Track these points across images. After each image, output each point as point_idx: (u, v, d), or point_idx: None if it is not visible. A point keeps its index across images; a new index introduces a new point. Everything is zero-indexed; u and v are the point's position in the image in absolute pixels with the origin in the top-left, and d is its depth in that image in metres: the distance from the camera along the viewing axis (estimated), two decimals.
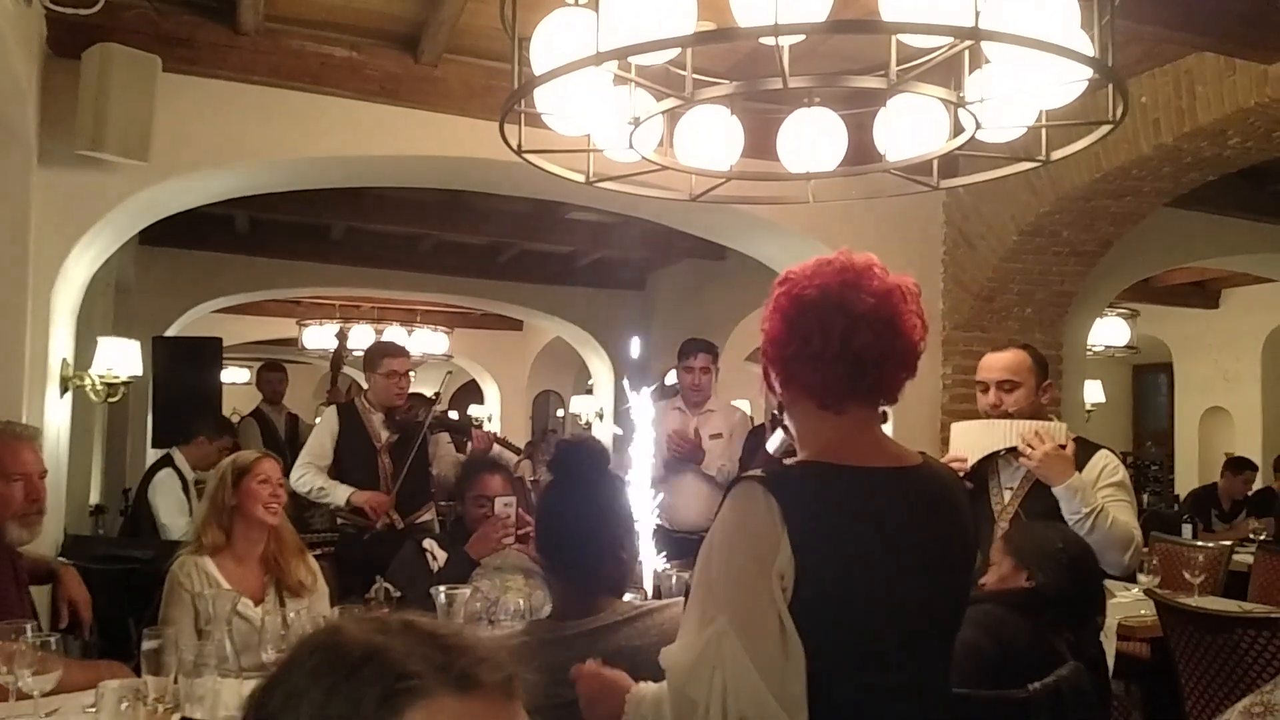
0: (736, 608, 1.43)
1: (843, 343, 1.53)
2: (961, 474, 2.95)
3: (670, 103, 2.32)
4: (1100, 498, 2.92)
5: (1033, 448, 2.92)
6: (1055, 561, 2.46)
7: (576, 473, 1.99)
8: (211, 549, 2.96)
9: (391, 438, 4.68)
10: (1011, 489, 3.05)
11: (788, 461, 1.67)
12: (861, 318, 1.53)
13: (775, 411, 1.74)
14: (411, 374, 4.91)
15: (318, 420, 5.29)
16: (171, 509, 5.22)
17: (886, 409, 1.66)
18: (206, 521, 3.01)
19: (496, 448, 4.81)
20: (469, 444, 4.88)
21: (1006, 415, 3.05)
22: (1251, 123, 4.01)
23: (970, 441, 3.09)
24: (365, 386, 4.88)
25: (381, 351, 4.85)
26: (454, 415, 6.08)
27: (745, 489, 1.49)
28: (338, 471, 4.65)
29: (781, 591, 1.43)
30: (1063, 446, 2.95)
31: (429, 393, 5.16)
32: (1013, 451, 3.00)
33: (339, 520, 4.78)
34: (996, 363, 3.13)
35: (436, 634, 0.84)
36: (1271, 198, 6.08)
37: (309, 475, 4.60)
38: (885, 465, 1.58)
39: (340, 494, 4.54)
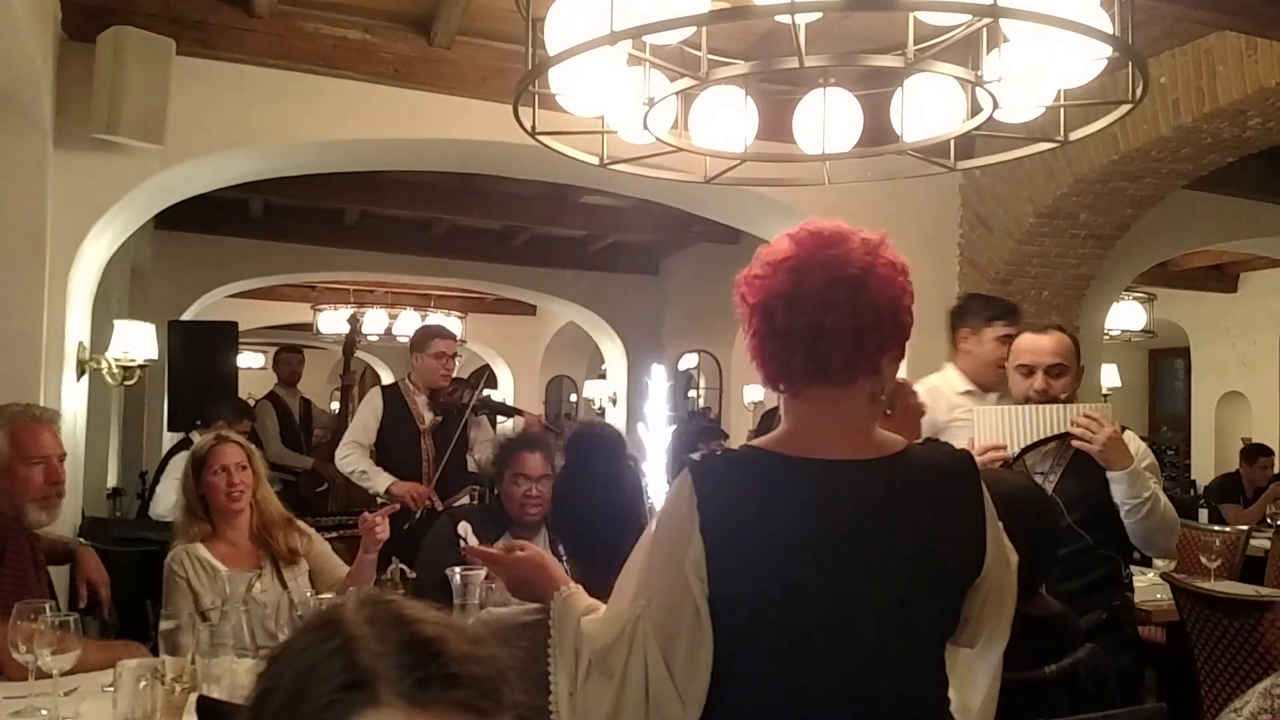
0: (655, 594, 1.42)
1: (787, 319, 1.43)
2: (1001, 463, 2.78)
3: (685, 83, 2.31)
4: None
5: (1091, 431, 2.73)
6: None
7: (595, 459, 1.99)
8: (199, 537, 2.98)
9: (435, 420, 4.72)
10: (1042, 474, 2.88)
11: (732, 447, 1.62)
12: (807, 291, 1.42)
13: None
14: (458, 357, 4.99)
15: (332, 405, 5.33)
16: (166, 482, 5.26)
17: (885, 397, 1.49)
18: (187, 514, 3.03)
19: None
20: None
21: (1053, 401, 2.85)
22: (1272, 103, 3.97)
23: (1008, 427, 2.84)
24: (413, 368, 4.92)
25: (431, 333, 4.91)
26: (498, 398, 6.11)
27: (683, 473, 1.46)
28: (380, 453, 4.72)
29: (699, 582, 1.39)
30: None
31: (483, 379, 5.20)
32: (1060, 437, 2.81)
33: (379, 500, 4.83)
34: (1045, 345, 2.90)
35: (419, 635, 0.79)
36: None
37: (353, 457, 4.67)
38: (840, 457, 1.44)
39: (380, 482, 4.58)
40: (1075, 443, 2.77)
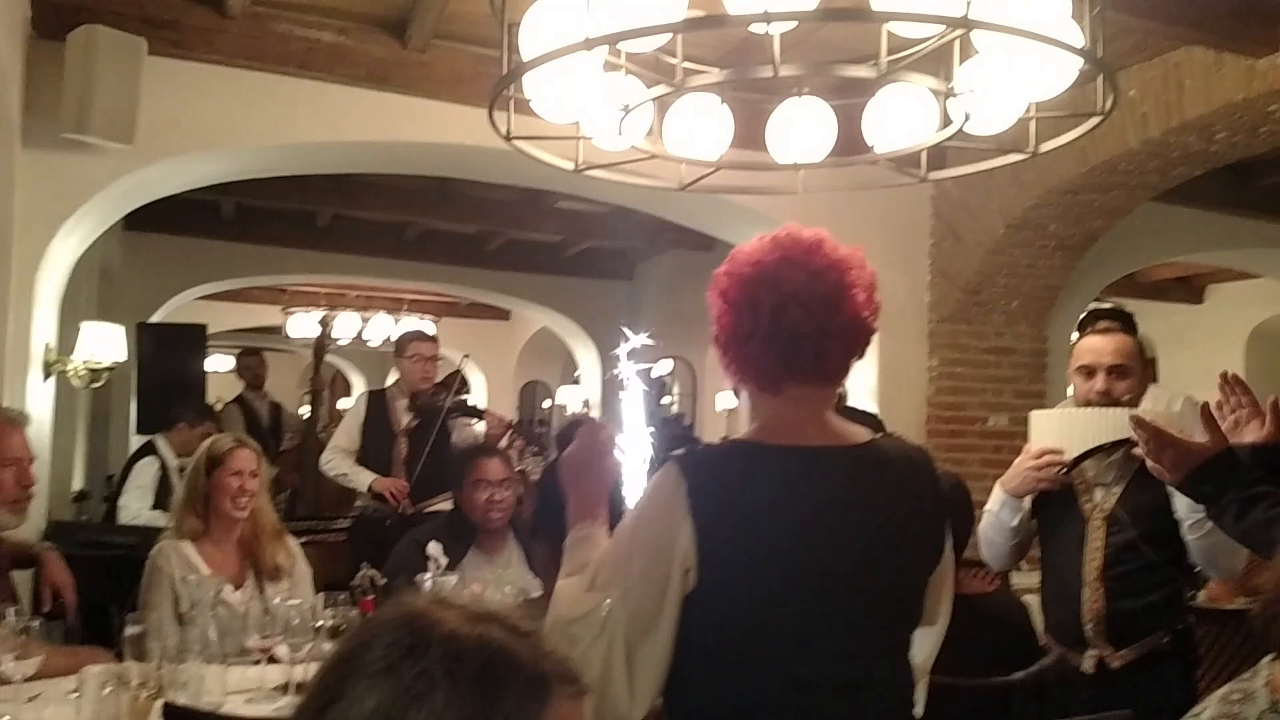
0: (628, 588, 1.43)
1: (773, 320, 1.48)
2: (1060, 469, 2.63)
3: (660, 90, 2.31)
4: None
5: None
6: None
7: None
8: (190, 534, 2.98)
9: (411, 422, 4.77)
10: (1104, 485, 2.68)
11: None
12: (792, 295, 1.48)
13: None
14: (439, 360, 5.05)
15: (302, 410, 5.33)
16: (130, 492, 5.21)
17: (841, 390, 1.62)
18: (184, 507, 3.03)
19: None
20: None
21: (1115, 404, 2.64)
22: (1239, 117, 4.02)
23: (1068, 431, 2.65)
24: (396, 374, 5.04)
25: (409, 337, 5.05)
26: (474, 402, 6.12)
27: (665, 468, 1.49)
28: (362, 456, 4.80)
29: (683, 575, 1.41)
30: None
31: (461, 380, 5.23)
32: (1121, 444, 2.58)
33: (356, 504, 4.90)
34: (1107, 345, 2.72)
35: (536, 632, 0.83)
36: (1257, 193, 6.10)
37: (335, 460, 4.81)
38: (821, 444, 1.52)
39: (363, 480, 4.70)
40: (1136, 450, 2.47)
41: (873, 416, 3.74)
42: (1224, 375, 2.29)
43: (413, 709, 0.76)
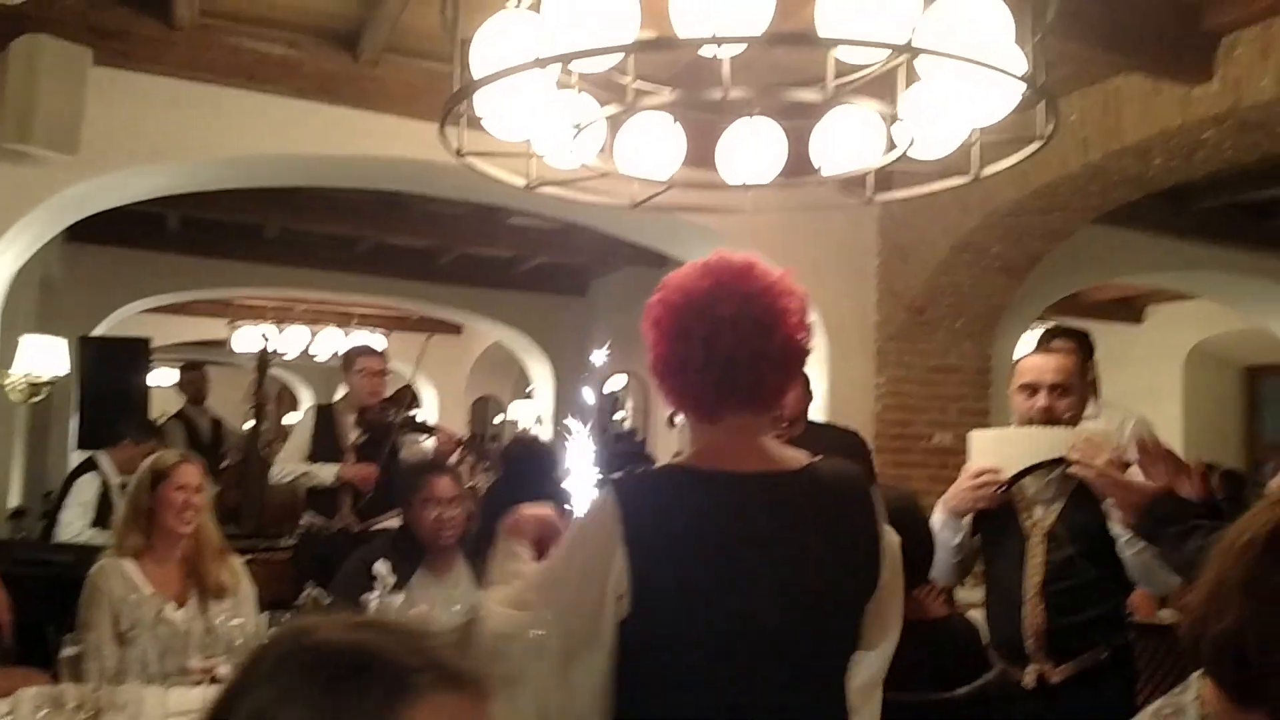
0: (563, 610, 1.43)
1: (706, 348, 1.47)
2: (997, 488, 2.66)
3: (612, 109, 2.33)
4: None
5: (1088, 456, 2.55)
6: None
7: (527, 470, 2.00)
8: (132, 551, 2.93)
9: (360, 439, 4.70)
10: (1044, 503, 2.71)
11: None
12: (725, 320, 1.46)
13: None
14: (387, 375, 5.00)
15: (246, 426, 5.26)
16: (71, 509, 5.10)
17: (780, 414, 1.62)
18: (126, 524, 2.98)
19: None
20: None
21: (1056, 422, 2.69)
22: (1174, 142, 4.12)
23: (1006, 451, 2.70)
24: (345, 389, 5.00)
25: (356, 352, 5.00)
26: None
27: (601, 493, 1.49)
28: None
29: (617, 601, 1.41)
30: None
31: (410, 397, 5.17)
32: (1058, 462, 2.63)
33: (301, 522, 4.79)
34: (1048, 364, 2.77)
35: (419, 633, 0.84)
36: (1194, 217, 6.26)
37: (289, 466, 4.70)
38: (756, 470, 1.51)
39: (327, 473, 4.59)
40: (1072, 469, 2.59)
41: (854, 434, 3.77)
42: (1142, 445, 2.37)
43: (276, 712, 0.78)
